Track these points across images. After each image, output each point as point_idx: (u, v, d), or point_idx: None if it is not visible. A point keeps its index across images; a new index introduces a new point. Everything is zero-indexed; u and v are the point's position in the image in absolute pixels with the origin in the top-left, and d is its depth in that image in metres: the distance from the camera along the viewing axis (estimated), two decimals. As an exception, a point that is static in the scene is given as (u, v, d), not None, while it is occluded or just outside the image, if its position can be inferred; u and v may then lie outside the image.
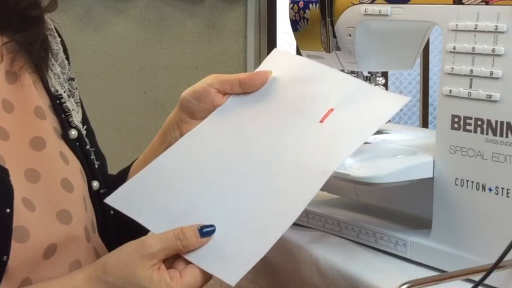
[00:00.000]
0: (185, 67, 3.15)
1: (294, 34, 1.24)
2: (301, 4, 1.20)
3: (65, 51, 1.10)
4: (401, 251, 1.03)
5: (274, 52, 1.09)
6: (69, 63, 1.10)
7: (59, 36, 1.10)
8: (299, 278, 1.08)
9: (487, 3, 0.94)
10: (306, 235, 1.13)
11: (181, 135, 1.06)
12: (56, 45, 1.08)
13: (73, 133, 1.05)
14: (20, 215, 0.91)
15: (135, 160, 1.16)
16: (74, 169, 1.02)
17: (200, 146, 1.01)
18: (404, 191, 1.06)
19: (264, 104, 1.02)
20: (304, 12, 1.20)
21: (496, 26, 0.93)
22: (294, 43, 2.93)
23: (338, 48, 1.16)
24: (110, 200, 0.98)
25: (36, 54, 1.01)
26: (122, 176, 1.14)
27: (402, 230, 1.06)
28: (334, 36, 1.15)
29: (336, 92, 1.00)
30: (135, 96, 3.08)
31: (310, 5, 1.19)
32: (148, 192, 0.98)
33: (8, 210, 0.89)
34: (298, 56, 1.07)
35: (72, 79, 1.09)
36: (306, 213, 1.16)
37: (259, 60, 3.29)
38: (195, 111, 1.05)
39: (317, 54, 1.19)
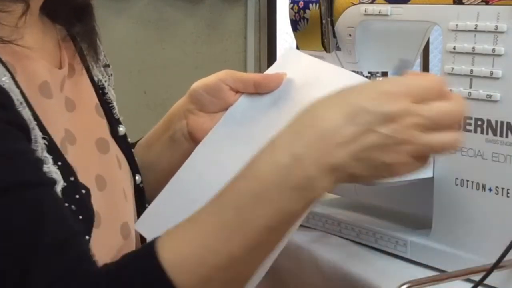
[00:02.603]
0: (185, 67, 3.15)
1: (294, 34, 1.24)
2: (301, 4, 1.20)
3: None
4: (401, 251, 1.03)
5: (288, 51, 1.06)
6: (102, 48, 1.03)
7: None
8: (299, 278, 1.08)
9: (487, 3, 0.95)
10: (306, 235, 1.13)
11: (188, 125, 1.03)
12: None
13: (121, 129, 0.99)
14: None
15: (139, 140, 1.12)
16: (126, 173, 0.96)
17: (214, 158, 0.99)
18: (404, 191, 1.06)
19: (276, 110, 1.01)
20: (304, 12, 1.20)
21: (496, 26, 0.93)
22: (294, 43, 2.93)
23: (338, 48, 1.16)
24: (138, 226, 0.95)
25: (90, 45, 0.96)
26: None
27: (402, 230, 1.06)
28: (334, 36, 1.15)
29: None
30: (135, 96, 3.08)
31: (310, 5, 1.19)
32: (171, 214, 0.96)
33: (87, 237, 0.82)
34: (311, 57, 1.04)
35: (107, 65, 1.04)
36: (306, 213, 1.16)
37: (259, 60, 3.29)
38: (206, 104, 1.02)
39: (317, 54, 1.18)
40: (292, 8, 1.22)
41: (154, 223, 0.94)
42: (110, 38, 3.08)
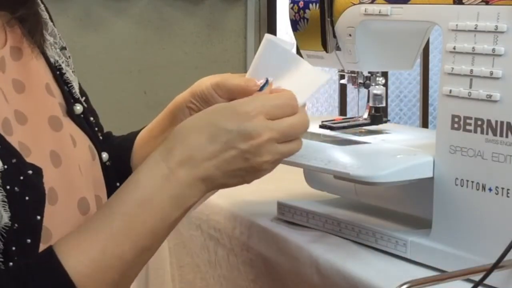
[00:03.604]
0: (185, 67, 3.15)
1: (294, 34, 1.24)
2: (301, 4, 1.20)
3: (51, 19, 1.04)
4: (401, 251, 1.03)
5: (265, 41, 1.00)
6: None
7: (42, 2, 1.03)
8: (299, 278, 1.08)
9: (487, 3, 0.95)
10: (306, 235, 1.13)
11: None
12: (43, 14, 1.02)
13: (78, 108, 0.99)
14: (45, 214, 0.85)
15: (141, 130, 1.13)
16: (82, 151, 0.97)
17: None
18: (404, 191, 1.06)
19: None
20: (304, 12, 1.20)
21: (496, 26, 0.93)
22: (294, 43, 2.92)
23: (338, 48, 1.16)
24: None
25: (34, 27, 0.96)
26: (128, 143, 1.12)
27: (402, 230, 1.06)
28: (334, 36, 1.15)
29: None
30: (135, 96, 3.08)
31: (310, 5, 1.19)
32: None
33: (38, 217, 0.83)
34: (285, 49, 1.00)
35: (64, 48, 1.04)
36: (306, 213, 1.16)
37: (259, 60, 3.28)
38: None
39: (317, 54, 1.19)
40: (292, 8, 1.22)
41: None
42: (110, 38, 3.08)
